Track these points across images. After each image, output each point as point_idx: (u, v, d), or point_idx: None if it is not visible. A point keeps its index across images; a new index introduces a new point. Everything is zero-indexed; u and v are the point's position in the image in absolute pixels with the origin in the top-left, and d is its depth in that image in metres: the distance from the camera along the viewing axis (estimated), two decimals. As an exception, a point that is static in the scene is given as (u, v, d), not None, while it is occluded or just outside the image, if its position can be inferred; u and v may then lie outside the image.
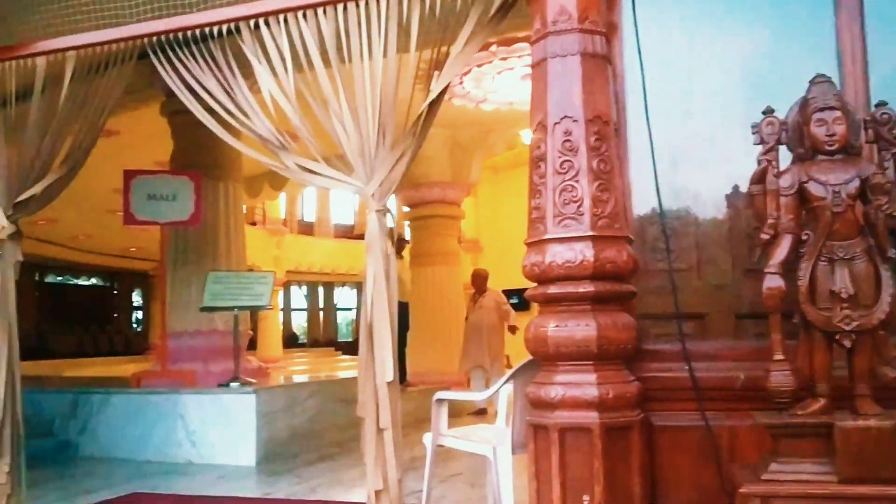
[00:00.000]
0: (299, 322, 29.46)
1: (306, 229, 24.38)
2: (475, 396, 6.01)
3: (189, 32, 3.77)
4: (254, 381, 6.44)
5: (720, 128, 2.97)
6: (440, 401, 3.79)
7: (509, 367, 8.89)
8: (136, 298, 27.40)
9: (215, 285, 6.54)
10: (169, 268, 7.47)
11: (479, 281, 9.61)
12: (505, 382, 3.43)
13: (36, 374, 9.84)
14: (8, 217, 4.07)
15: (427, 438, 3.76)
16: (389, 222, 3.42)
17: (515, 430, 3.33)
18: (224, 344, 7.75)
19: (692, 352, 2.75)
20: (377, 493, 3.26)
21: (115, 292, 27.30)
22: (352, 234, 26.57)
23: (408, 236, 12.37)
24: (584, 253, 2.60)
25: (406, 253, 11.17)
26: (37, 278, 23.73)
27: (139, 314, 27.56)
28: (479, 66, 8.30)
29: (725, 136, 2.94)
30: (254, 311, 8.20)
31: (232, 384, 6.32)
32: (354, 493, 4.75)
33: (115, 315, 26.93)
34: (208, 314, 7.50)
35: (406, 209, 12.11)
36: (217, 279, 6.58)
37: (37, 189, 4.05)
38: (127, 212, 6.91)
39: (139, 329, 26.92)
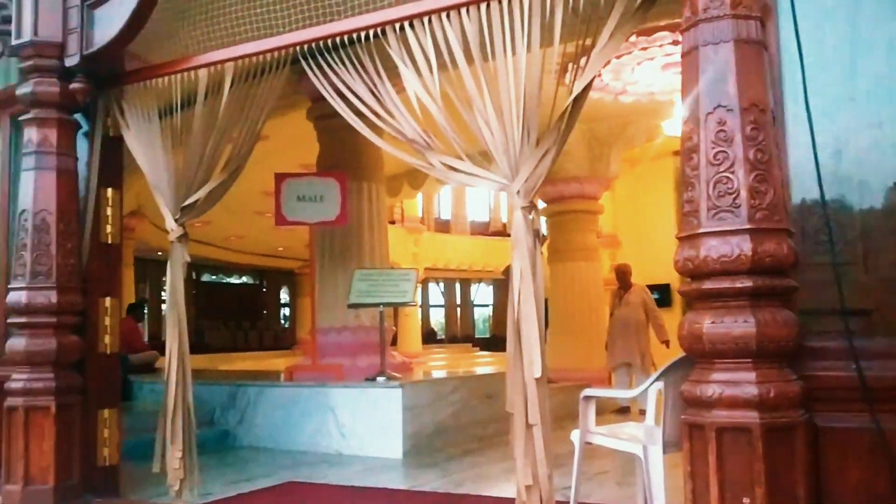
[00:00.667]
0: (437, 318, 29.94)
1: (443, 227, 24.71)
2: (624, 394, 5.94)
3: (337, 38, 3.92)
4: (399, 375, 6.60)
5: (888, 112, 2.79)
6: (588, 398, 3.76)
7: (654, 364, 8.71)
8: (284, 296, 28.75)
9: (361, 283, 6.75)
10: (317, 266, 7.76)
11: (624, 276, 9.41)
12: (656, 380, 3.36)
13: (194, 367, 10.53)
14: (176, 220, 4.37)
15: (575, 435, 3.74)
16: (535, 219, 3.42)
17: (666, 429, 3.26)
18: (369, 339, 7.99)
19: (859, 350, 2.60)
20: (527, 488, 3.27)
21: (264, 290, 28.70)
22: (487, 230, 26.71)
23: (545, 232, 12.31)
24: (740, 247, 2.51)
25: (544, 249, 11.09)
26: (194, 277, 25.26)
27: (286, 311, 28.89)
28: (618, 57, 8.14)
29: (893, 120, 2.76)
30: (398, 307, 8.40)
31: (378, 378, 6.50)
32: (500, 489, 4.79)
33: (264, 312, 28.32)
34: (355, 311, 7.76)
35: (543, 205, 12.04)
36: (363, 277, 6.79)
37: (201, 193, 4.33)
38: (278, 213, 7.25)
39: (286, 325, 28.21)
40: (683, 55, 2.81)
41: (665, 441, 3.24)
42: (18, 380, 4.24)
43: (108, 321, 4.66)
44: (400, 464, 5.85)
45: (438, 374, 8.20)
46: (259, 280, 28.60)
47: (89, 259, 4.56)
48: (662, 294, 20.78)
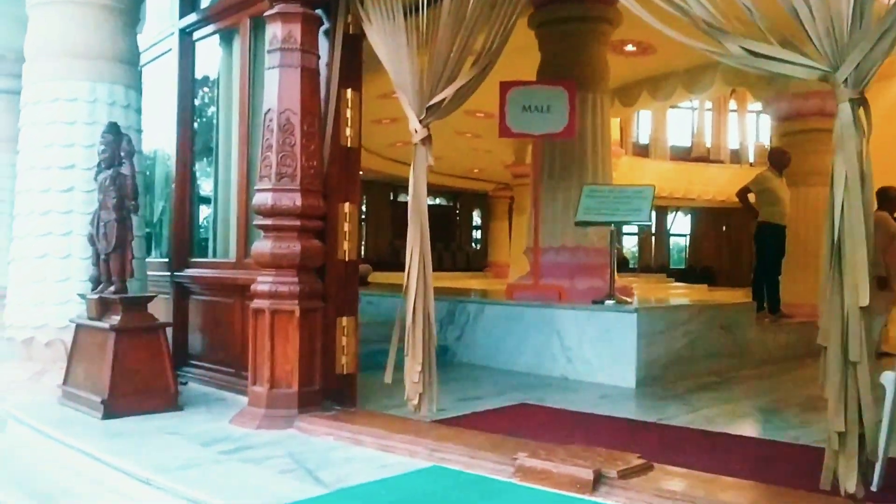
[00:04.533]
0: (630, 247, 29.01)
1: (641, 151, 23.68)
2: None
3: None
4: (629, 300, 6.14)
5: None
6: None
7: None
8: (476, 218, 28.89)
9: (590, 199, 6.29)
10: (543, 182, 7.37)
11: None
12: None
13: (395, 283, 10.56)
14: (420, 121, 4.08)
15: (888, 377, 3.14)
16: (867, 115, 2.80)
17: None
18: (590, 261, 7.59)
19: None
20: (839, 435, 2.75)
21: (457, 212, 28.95)
22: (689, 156, 25.36)
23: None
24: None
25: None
26: (391, 198, 25.83)
27: (477, 234, 29.03)
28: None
29: None
30: (634, 226, 7.88)
31: (607, 301, 6.09)
32: (762, 430, 4.28)
33: (457, 233, 28.63)
34: (577, 229, 7.34)
35: (776, 123, 10.93)
36: (592, 193, 6.33)
37: (448, 92, 4.00)
38: (502, 124, 6.88)
39: (478, 248, 28.37)
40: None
41: None
42: (264, 282, 4.19)
43: (347, 227, 4.52)
44: (634, 393, 5.44)
45: (672, 301, 7.62)
46: (453, 202, 28.85)
47: (329, 163, 4.40)
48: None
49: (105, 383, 4.26)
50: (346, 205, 4.52)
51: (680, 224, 29.60)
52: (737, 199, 8.61)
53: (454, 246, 27.50)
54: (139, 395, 4.37)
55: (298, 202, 4.14)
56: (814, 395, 5.34)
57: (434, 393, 4.17)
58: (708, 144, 28.66)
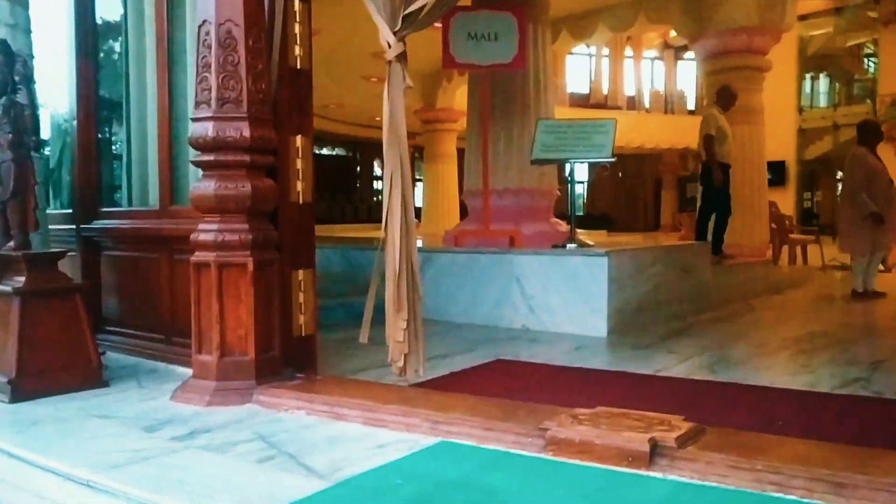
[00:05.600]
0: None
1: (543, 97, 23.37)
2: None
3: None
4: (591, 243, 5.70)
5: None
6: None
7: None
8: (377, 168, 28.04)
9: (546, 136, 5.78)
10: (491, 120, 6.79)
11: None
12: None
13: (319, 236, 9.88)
14: (395, 33, 3.43)
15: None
16: None
17: None
18: (535, 204, 7.13)
19: None
20: None
21: (357, 162, 27.99)
22: (587, 103, 25.38)
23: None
24: None
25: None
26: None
27: (379, 184, 28.21)
28: None
29: None
30: (594, 164, 7.44)
31: (568, 246, 5.63)
32: (763, 376, 3.92)
33: (358, 185, 27.71)
34: (521, 171, 6.86)
35: (703, 61, 10.69)
36: (549, 129, 5.81)
37: (430, -5, 3.36)
38: (446, 53, 6.23)
39: (380, 199, 27.61)
40: None
41: None
42: (208, 230, 3.47)
43: (300, 164, 3.83)
44: (608, 343, 5.02)
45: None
46: (352, 152, 27.88)
47: (277, 87, 3.69)
48: (777, 172, 19.34)
49: (11, 360, 3.48)
50: (299, 138, 3.83)
51: (579, 171, 29.73)
52: (697, 148, 8.17)
53: (356, 198, 26.67)
54: (55, 372, 3.61)
55: (246, 132, 3.43)
56: (788, 336, 5.12)
57: (422, 353, 3.60)
58: (605, 91, 28.80)
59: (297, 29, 3.79)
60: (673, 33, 22.88)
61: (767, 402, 3.41)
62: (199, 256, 3.49)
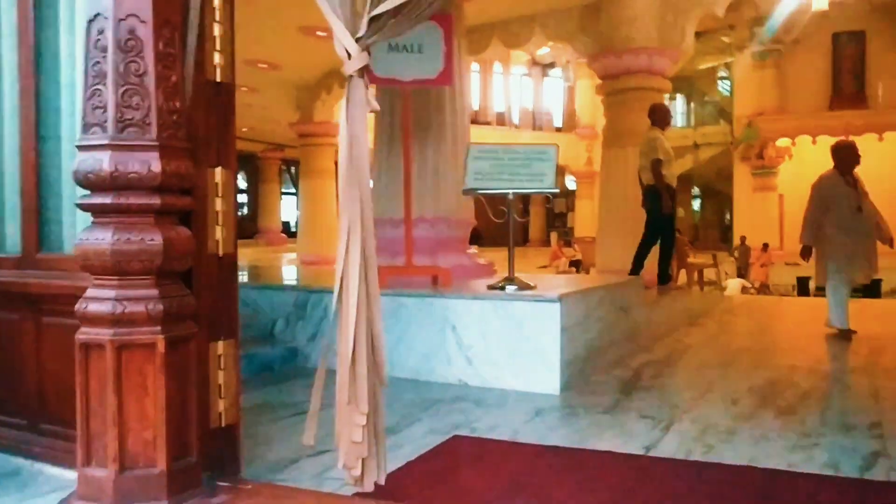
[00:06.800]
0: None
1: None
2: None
3: None
4: (533, 284, 5.07)
5: None
6: None
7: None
8: (241, 182, 26.54)
9: (480, 162, 5.10)
10: (414, 140, 6.03)
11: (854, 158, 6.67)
12: None
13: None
14: (358, 40, 2.64)
15: None
16: None
17: None
18: (452, 234, 6.47)
19: None
20: None
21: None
22: (476, 119, 25.25)
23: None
24: None
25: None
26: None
27: (243, 197, 26.66)
28: None
29: None
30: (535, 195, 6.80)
31: (508, 287, 4.98)
32: (775, 453, 3.40)
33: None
34: (439, 198, 6.19)
35: (601, 81, 10.41)
36: (482, 154, 5.14)
37: (407, -7, 2.60)
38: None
39: (245, 213, 26.06)
40: None
41: None
42: (102, 299, 2.55)
43: (220, 205, 2.97)
44: (565, 403, 4.37)
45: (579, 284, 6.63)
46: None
47: (191, 105, 2.82)
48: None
49: None
50: (219, 171, 2.96)
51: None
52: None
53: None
54: None
55: (156, 166, 2.54)
56: (751, 387, 4.68)
57: (383, 455, 2.80)
58: (476, 107, 28.72)
59: (217, 30, 2.93)
60: (541, 51, 23.01)
61: (813, 493, 2.86)
62: (88, 334, 2.55)
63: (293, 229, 23.66)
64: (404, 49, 5.38)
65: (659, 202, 7.46)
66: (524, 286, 5.01)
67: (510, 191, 5.07)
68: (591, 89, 22.17)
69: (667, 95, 10.23)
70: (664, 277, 7.79)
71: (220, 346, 2.96)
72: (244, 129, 21.45)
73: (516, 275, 5.13)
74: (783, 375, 5.07)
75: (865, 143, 11.31)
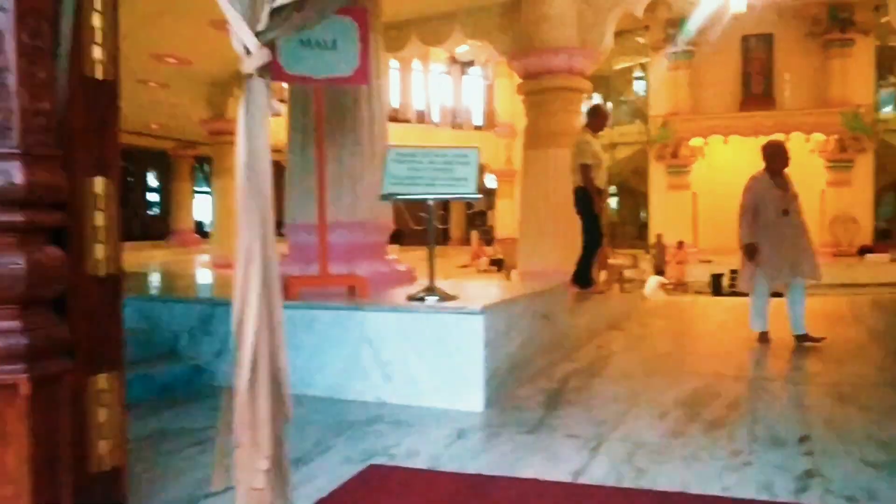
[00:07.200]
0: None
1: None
2: None
3: None
4: (452, 294, 4.83)
5: None
6: None
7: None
8: (152, 180, 25.48)
9: (398, 166, 4.82)
10: (329, 141, 5.69)
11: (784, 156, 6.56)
12: None
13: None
14: (258, 35, 2.33)
15: None
16: None
17: None
18: (370, 240, 6.17)
19: None
20: None
21: (130, 173, 25.34)
22: (396, 117, 25.23)
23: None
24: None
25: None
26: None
27: (155, 197, 25.61)
28: None
29: None
30: (456, 201, 6.52)
31: (428, 298, 4.73)
32: (707, 474, 3.23)
33: (130, 197, 25.11)
34: (355, 202, 5.90)
35: (522, 81, 10.25)
36: (400, 158, 4.86)
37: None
38: (275, 63, 5.06)
39: (157, 213, 25.07)
40: None
41: None
42: (-49, 333, 2.18)
43: (101, 219, 2.61)
44: (488, 422, 4.15)
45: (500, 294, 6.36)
46: (124, 162, 25.23)
47: (67, 106, 2.46)
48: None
49: None
50: (99, 180, 2.61)
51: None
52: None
53: (128, 212, 24.12)
54: None
55: (19, 177, 2.18)
56: (676, 399, 4.55)
57: (288, 498, 2.50)
58: (396, 104, 28.50)
59: (96, 20, 2.57)
60: (460, 49, 22.89)
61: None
62: (-65, 374, 2.18)
63: (207, 229, 22.93)
64: (317, 45, 5.04)
65: (590, 205, 7.38)
66: (445, 297, 4.76)
67: (430, 197, 4.80)
68: (511, 88, 22.24)
69: (584, 95, 10.16)
70: (585, 280, 7.67)
71: (101, 380, 2.62)
72: (154, 126, 20.62)
73: (437, 283, 4.87)
74: (708, 384, 4.97)
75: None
